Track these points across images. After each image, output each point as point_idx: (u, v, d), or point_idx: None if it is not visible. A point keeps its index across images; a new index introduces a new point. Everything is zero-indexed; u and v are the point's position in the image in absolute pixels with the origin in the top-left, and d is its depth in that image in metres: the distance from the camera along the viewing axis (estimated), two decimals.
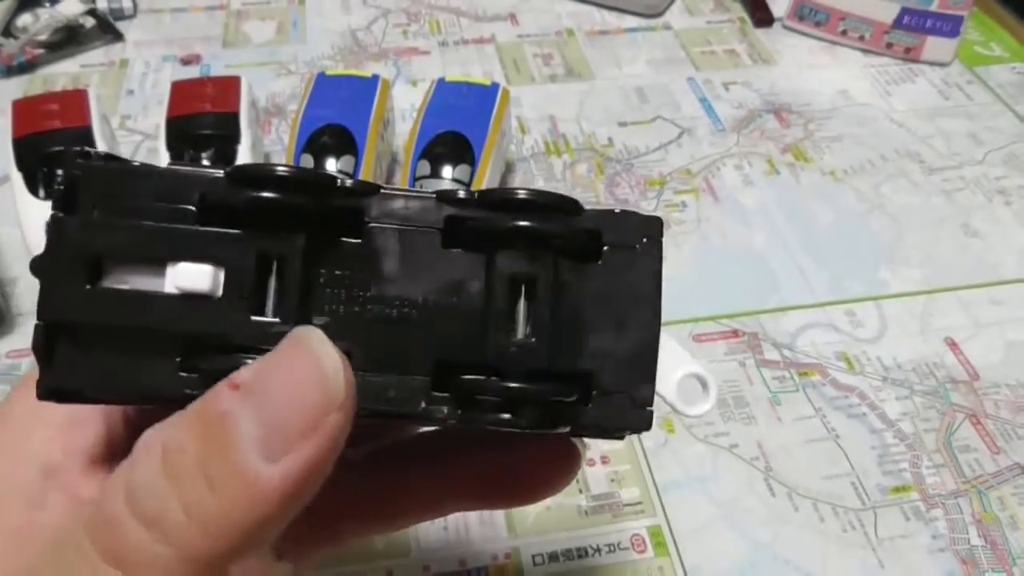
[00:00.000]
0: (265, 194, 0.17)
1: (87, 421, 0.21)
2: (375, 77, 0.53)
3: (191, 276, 0.17)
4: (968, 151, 0.60)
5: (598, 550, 0.38)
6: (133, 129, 0.60)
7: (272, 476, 0.17)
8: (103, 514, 0.17)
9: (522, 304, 0.18)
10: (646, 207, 0.54)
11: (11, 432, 0.21)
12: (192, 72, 0.65)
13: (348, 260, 0.18)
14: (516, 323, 0.18)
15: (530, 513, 0.39)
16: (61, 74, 0.65)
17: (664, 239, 0.19)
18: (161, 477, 0.17)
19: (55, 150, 0.48)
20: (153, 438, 0.17)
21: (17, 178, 0.47)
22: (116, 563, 0.17)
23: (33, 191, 0.46)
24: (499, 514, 0.39)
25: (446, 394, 0.18)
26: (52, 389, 0.18)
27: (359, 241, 0.18)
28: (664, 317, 0.50)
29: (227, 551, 0.17)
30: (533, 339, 0.18)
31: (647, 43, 0.70)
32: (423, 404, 0.18)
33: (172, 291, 0.18)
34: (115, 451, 0.21)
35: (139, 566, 0.17)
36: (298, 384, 0.17)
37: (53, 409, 0.20)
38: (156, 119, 0.55)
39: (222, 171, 0.18)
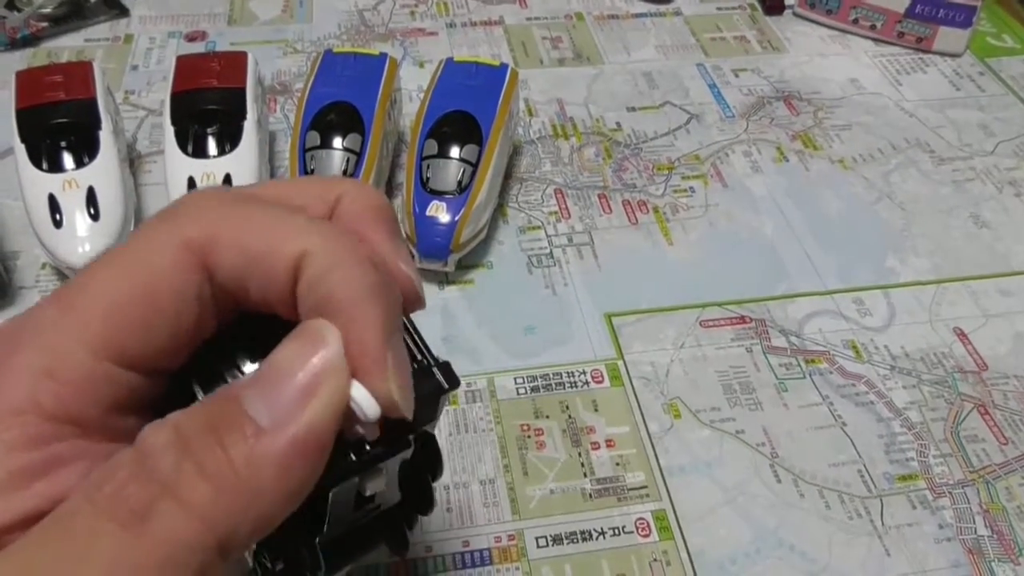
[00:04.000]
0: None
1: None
2: (383, 55, 0.52)
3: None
4: (979, 142, 0.59)
5: (602, 533, 0.37)
6: (137, 104, 0.59)
7: (277, 440, 0.17)
8: (115, 480, 0.17)
9: None
10: (654, 191, 0.54)
11: None
12: (197, 49, 0.65)
13: None
14: None
15: (534, 496, 0.38)
16: (65, 48, 0.64)
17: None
18: (174, 447, 0.17)
19: (58, 121, 0.47)
20: (165, 421, 0.18)
21: (20, 150, 0.46)
22: (123, 525, 0.16)
23: (36, 163, 0.46)
24: (503, 496, 0.38)
25: None
26: None
27: None
28: (671, 302, 0.49)
29: (232, 526, 0.17)
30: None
31: (656, 28, 0.69)
32: None
33: None
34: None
35: (151, 529, 0.16)
36: (298, 354, 0.18)
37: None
38: (160, 95, 0.55)
39: None
